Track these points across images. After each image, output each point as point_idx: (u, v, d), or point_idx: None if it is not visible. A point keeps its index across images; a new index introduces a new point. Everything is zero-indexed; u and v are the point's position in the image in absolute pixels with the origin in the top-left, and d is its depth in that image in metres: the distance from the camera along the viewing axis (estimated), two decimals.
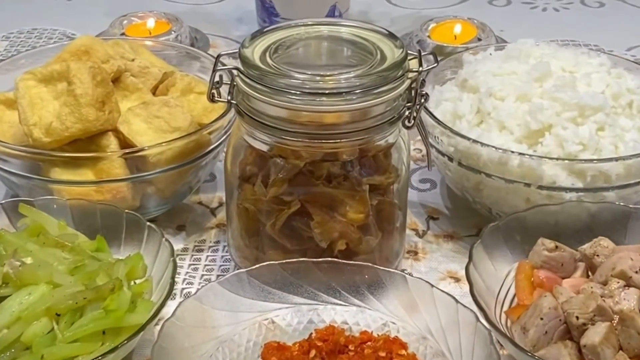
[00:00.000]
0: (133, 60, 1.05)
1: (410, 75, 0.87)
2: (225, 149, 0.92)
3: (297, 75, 0.83)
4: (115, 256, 0.88)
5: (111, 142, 0.95)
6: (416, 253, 0.99)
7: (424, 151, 1.16)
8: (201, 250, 0.99)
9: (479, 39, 1.34)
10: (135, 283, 0.85)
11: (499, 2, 1.62)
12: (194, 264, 0.97)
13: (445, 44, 1.32)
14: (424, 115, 0.96)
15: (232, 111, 0.96)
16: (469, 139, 0.94)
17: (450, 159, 0.97)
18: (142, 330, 0.77)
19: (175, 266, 0.83)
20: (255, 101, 0.84)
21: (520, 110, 0.96)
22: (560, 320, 0.79)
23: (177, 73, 1.04)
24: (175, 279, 0.82)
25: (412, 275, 0.87)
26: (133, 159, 0.94)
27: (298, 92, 0.81)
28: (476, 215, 1.02)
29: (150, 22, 1.35)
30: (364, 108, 0.83)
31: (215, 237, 1.01)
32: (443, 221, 1.04)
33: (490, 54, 1.06)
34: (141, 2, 1.52)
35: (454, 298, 0.80)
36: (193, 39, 1.36)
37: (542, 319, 0.79)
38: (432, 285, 0.82)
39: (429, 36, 1.36)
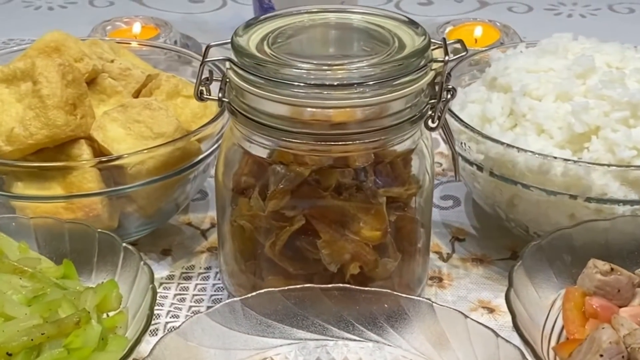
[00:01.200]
0: (112, 61, 0.91)
1: (434, 66, 0.74)
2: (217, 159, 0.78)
3: (300, 64, 0.70)
4: (85, 284, 0.75)
5: (83, 151, 0.82)
6: (441, 279, 0.85)
7: (444, 165, 1.02)
8: (189, 278, 0.85)
9: (502, 44, 1.20)
10: (108, 316, 0.71)
11: (519, 8, 1.48)
12: (180, 294, 0.83)
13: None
14: (447, 118, 0.82)
15: (226, 115, 0.83)
16: (502, 143, 0.80)
17: (480, 169, 0.83)
18: None
19: (154, 294, 0.69)
20: (250, 97, 0.71)
21: (561, 110, 0.82)
22: (623, 357, 0.66)
23: (162, 74, 0.91)
24: (157, 311, 0.69)
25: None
26: (109, 171, 0.81)
27: (302, 85, 0.69)
28: (509, 236, 0.88)
29: (137, 27, 1.22)
30: (380, 103, 0.70)
31: (206, 263, 0.87)
32: (470, 243, 0.90)
33: (521, 52, 0.93)
34: (128, 12, 1.39)
35: (493, 331, 0.66)
36: (184, 46, 1.22)
37: (601, 355, 0.65)
38: (466, 316, 0.68)
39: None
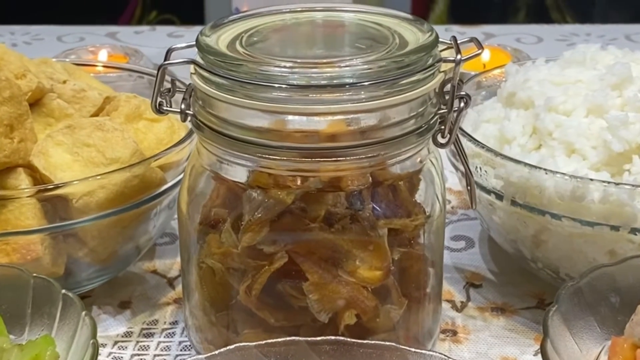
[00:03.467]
0: (65, 82, 0.78)
1: (444, 68, 0.60)
2: None
3: (280, 62, 0.56)
4: (17, 341, 0.60)
5: (21, 181, 0.68)
6: (455, 332, 0.71)
7: (453, 202, 0.88)
8: (150, 335, 0.70)
9: None
10: None
11: (528, 39, 1.35)
12: (139, 354, 0.68)
13: (472, 72, 1.05)
14: (459, 137, 0.68)
15: (195, 140, 0.69)
16: (526, 164, 0.66)
17: (500, 197, 0.69)
18: None
19: (95, 352, 0.54)
20: (220, 106, 0.58)
21: (594, 126, 0.69)
22: None
23: (122, 94, 0.77)
24: None
25: None
26: (52, 204, 0.67)
27: (282, 86, 0.55)
28: (534, 281, 0.74)
29: (103, 55, 1.08)
30: (378, 109, 0.57)
31: (173, 316, 0.73)
32: (488, 289, 0.76)
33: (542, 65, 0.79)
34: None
35: None
36: None
37: None
38: None
39: None
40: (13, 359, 0.55)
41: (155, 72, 0.62)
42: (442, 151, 0.65)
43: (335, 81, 0.55)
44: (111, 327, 0.71)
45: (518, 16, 2.11)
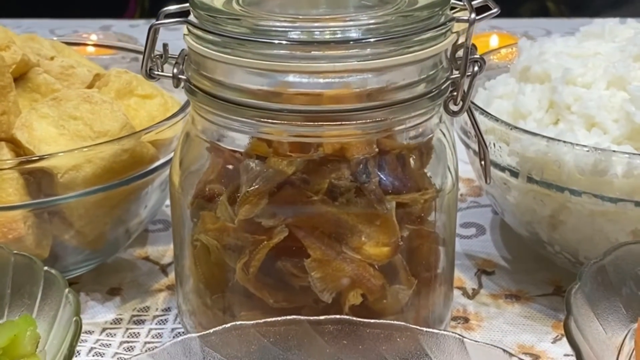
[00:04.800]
0: (52, 58, 0.74)
1: (456, 28, 0.56)
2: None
3: (280, 18, 0.52)
4: None
5: (3, 156, 0.63)
6: (467, 319, 0.66)
7: (462, 189, 0.84)
8: (141, 322, 0.66)
9: None
10: None
11: (535, 32, 1.31)
12: (128, 342, 0.64)
13: None
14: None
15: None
16: (544, 137, 0.62)
17: (515, 174, 0.64)
18: None
19: (78, 329, 0.50)
20: (215, 67, 0.54)
21: (616, 99, 0.65)
22: None
23: (112, 70, 0.73)
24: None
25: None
26: (36, 180, 0.62)
27: (282, 43, 0.51)
28: (551, 267, 0.70)
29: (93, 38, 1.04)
30: (385, 68, 0.52)
31: (165, 303, 0.68)
32: (502, 276, 0.71)
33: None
34: None
35: None
36: None
37: None
38: (511, 354, 0.49)
39: None
40: None
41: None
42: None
43: (339, 35, 0.51)
44: (99, 314, 0.67)
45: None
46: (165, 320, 0.66)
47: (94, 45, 0.85)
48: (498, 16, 0.60)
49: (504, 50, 0.80)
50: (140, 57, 0.83)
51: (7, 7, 1.42)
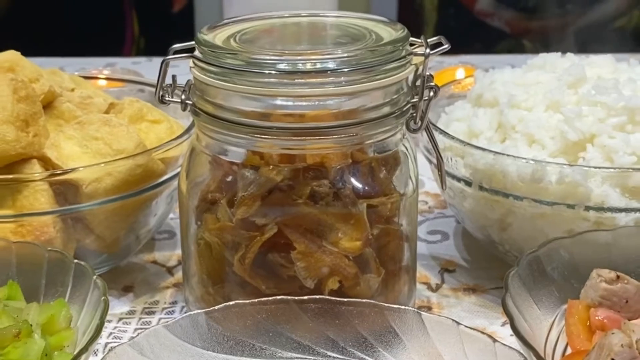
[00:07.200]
0: (73, 90, 0.85)
1: (414, 62, 0.68)
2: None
3: (270, 52, 0.64)
4: None
5: (35, 172, 0.75)
6: (430, 308, 0.77)
7: (430, 203, 0.95)
8: (152, 313, 0.77)
9: None
10: None
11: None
12: (142, 329, 0.74)
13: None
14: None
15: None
16: (491, 151, 0.74)
17: (469, 184, 0.76)
18: None
19: (106, 306, 0.61)
20: (215, 93, 0.66)
21: (552, 120, 0.77)
22: None
23: (125, 99, 0.85)
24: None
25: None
26: (63, 191, 0.73)
27: (272, 72, 0.63)
28: (503, 265, 0.81)
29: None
30: (356, 92, 0.64)
31: (172, 298, 0.79)
32: (461, 273, 0.83)
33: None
34: None
35: (489, 337, 0.59)
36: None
37: (613, 359, 0.57)
38: (459, 323, 0.60)
39: None
40: (33, 312, 0.61)
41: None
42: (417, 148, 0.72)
43: (318, 66, 0.63)
44: (116, 307, 0.77)
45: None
46: (173, 311, 0.77)
47: (106, 79, 0.97)
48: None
49: (466, 81, 0.92)
50: (145, 88, 0.96)
51: (10, 47, 1.53)
